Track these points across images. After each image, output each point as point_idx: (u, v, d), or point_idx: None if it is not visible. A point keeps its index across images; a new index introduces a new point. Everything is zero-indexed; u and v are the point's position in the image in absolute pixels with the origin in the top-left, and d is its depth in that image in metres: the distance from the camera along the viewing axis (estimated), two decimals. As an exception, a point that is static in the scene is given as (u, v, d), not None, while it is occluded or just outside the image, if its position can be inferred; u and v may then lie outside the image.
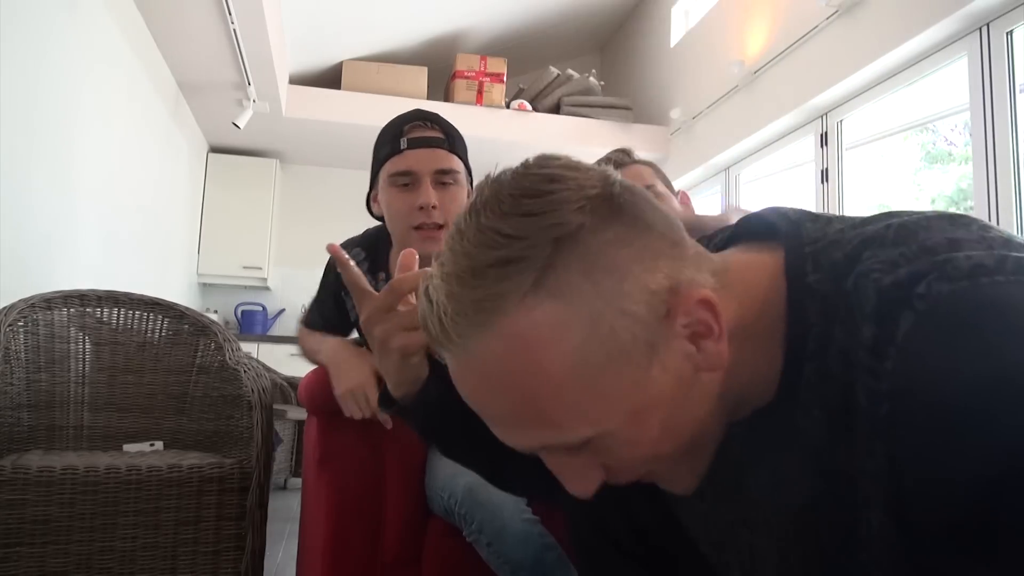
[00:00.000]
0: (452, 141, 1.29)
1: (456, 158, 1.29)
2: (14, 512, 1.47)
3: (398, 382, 0.77)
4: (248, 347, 4.39)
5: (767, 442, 0.59)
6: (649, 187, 1.38)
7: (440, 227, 1.25)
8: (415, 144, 1.24)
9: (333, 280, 1.42)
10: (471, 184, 1.34)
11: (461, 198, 1.28)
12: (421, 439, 1.08)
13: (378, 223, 1.42)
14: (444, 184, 1.26)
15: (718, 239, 0.69)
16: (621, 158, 1.43)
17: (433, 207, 1.23)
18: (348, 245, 1.41)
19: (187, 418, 1.96)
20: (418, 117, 1.28)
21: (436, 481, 1.31)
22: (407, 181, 1.25)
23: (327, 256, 1.40)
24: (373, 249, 1.40)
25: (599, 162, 1.44)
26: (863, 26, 3.12)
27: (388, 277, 1.36)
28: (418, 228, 1.25)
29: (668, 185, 1.44)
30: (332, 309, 1.43)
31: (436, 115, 1.30)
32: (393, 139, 1.26)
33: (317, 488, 1.40)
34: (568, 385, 0.51)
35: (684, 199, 1.43)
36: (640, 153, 1.55)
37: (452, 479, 1.25)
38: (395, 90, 4.58)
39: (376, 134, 1.33)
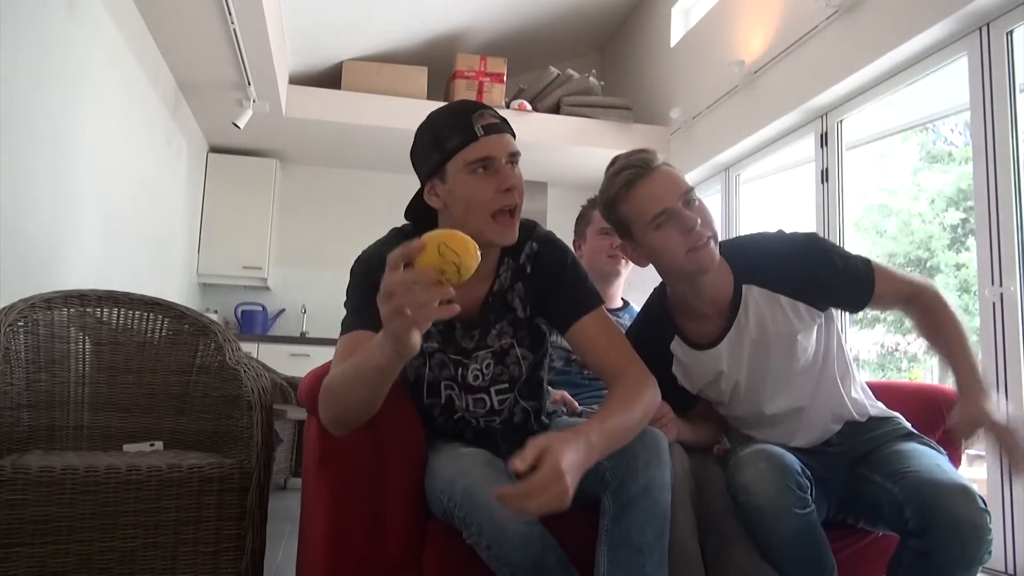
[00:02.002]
0: (510, 126, 1.33)
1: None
2: (14, 512, 1.47)
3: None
4: (248, 347, 4.39)
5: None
6: (689, 191, 1.40)
7: (513, 212, 1.28)
8: (490, 130, 1.27)
9: (377, 279, 1.34)
10: None
11: (522, 180, 1.32)
12: None
13: (391, 229, 1.41)
14: (513, 166, 1.29)
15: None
16: (650, 159, 1.42)
17: (515, 188, 1.28)
18: (387, 246, 1.32)
19: (187, 418, 1.96)
20: (479, 107, 1.31)
21: (435, 483, 1.31)
22: (486, 165, 1.26)
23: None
24: None
25: (621, 160, 1.42)
26: (863, 26, 3.12)
27: None
28: (496, 215, 1.27)
29: None
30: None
31: (486, 104, 1.35)
32: (464, 128, 1.27)
33: (317, 488, 1.40)
34: None
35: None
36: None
37: (451, 482, 1.25)
38: (395, 90, 4.58)
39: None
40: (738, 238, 1.55)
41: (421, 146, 1.33)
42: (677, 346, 1.52)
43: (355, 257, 1.38)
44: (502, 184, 1.26)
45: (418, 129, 1.35)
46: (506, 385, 1.41)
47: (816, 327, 1.45)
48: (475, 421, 1.45)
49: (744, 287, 1.45)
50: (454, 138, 1.27)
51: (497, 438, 1.48)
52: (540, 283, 1.37)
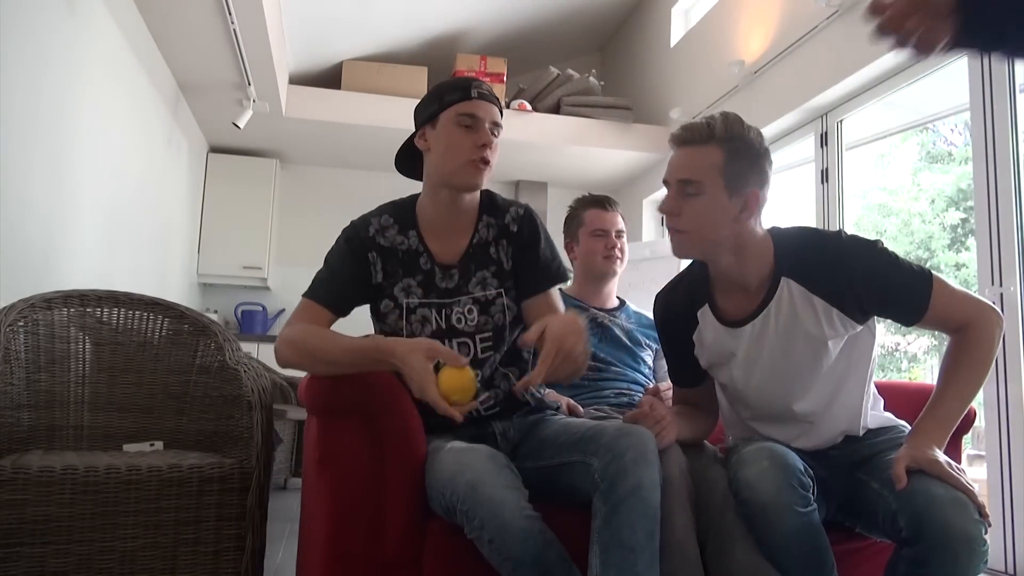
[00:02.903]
0: (501, 104, 1.57)
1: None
2: (14, 512, 1.47)
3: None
4: (248, 347, 4.39)
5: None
6: (691, 182, 1.40)
7: (487, 164, 1.49)
8: (483, 97, 1.52)
9: (359, 245, 1.54)
10: None
11: (498, 149, 1.55)
12: None
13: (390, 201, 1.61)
14: (494, 134, 1.53)
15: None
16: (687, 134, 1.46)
17: (489, 147, 1.50)
18: (374, 214, 1.57)
19: (187, 418, 1.96)
20: (480, 81, 1.55)
21: (437, 479, 1.31)
22: (471, 123, 1.49)
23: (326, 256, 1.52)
24: (400, 213, 1.57)
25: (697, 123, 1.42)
26: (863, 26, 3.11)
27: (419, 233, 1.55)
28: (469, 163, 1.48)
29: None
30: (348, 280, 1.52)
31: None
32: (463, 89, 1.51)
33: (317, 488, 1.40)
34: None
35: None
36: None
37: (453, 478, 1.25)
38: (395, 90, 4.59)
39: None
40: (793, 230, 1.50)
41: (423, 104, 1.56)
42: (704, 313, 1.52)
43: None
44: (478, 140, 1.48)
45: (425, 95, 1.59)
46: (489, 334, 1.50)
47: (847, 337, 1.44)
48: None
49: (783, 279, 1.43)
50: (453, 94, 1.51)
51: (496, 432, 1.48)
52: (520, 243, 1.56)
